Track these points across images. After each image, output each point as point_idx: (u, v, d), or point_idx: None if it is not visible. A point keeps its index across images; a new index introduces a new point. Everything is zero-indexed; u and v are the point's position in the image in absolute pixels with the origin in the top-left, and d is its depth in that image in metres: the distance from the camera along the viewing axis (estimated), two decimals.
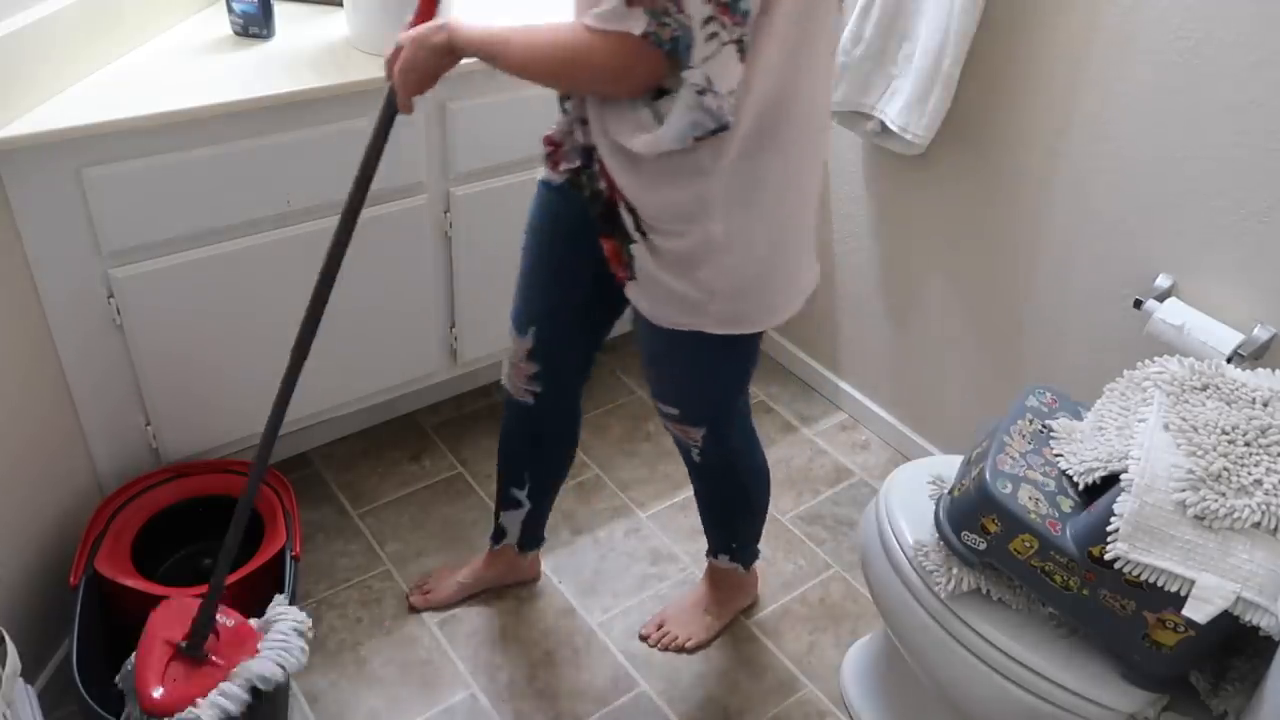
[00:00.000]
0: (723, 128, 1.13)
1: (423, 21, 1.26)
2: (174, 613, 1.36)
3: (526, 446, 1.68)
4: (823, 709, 1.72)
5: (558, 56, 1.15)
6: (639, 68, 1.10)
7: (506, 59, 1.19)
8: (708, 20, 1.06)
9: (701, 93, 1.09)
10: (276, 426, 1.36)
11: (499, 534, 1.80)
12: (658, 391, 1.50)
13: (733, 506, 1.70)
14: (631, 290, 1.33)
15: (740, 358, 1.43)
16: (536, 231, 1.46)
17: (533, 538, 1.82)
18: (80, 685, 1.31)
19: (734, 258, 1.25)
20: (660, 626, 1.80)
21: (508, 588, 1.88)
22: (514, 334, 1.54)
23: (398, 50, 1.25)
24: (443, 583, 1.84)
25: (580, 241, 1.38)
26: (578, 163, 1.32)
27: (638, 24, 1.06)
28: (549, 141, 1.37)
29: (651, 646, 1.79)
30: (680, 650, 1.79)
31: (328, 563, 1.90)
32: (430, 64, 1.23)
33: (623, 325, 2.18)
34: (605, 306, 1.50)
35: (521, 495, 1.72)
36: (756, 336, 1.38)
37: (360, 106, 1.62)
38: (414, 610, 1.82)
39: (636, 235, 1.27)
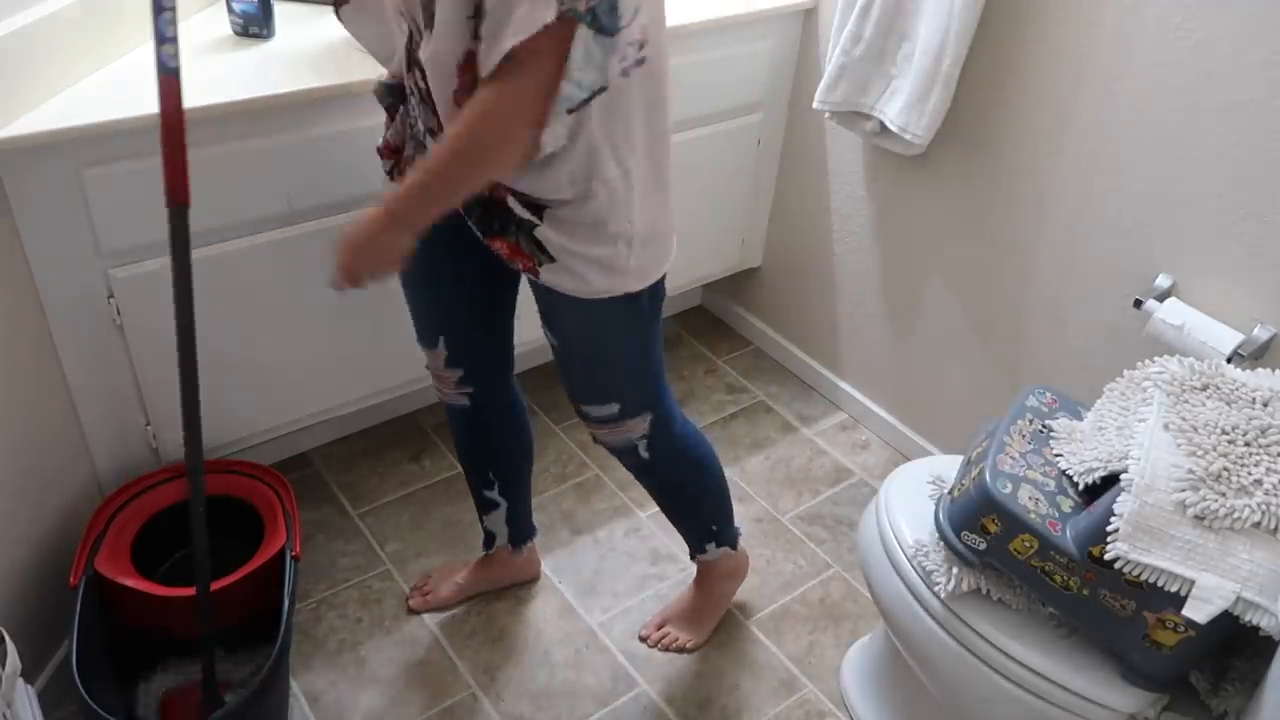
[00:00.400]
0: (604, 87, 1.12)
1: None
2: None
3: (479, 446, 1.68)
4: (823, 709, 1.72)
5: (486, 123, 1.11)
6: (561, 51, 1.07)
7: (444, 179, 1.16)
8: None
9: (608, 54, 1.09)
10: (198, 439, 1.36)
11: (489, 539, 1.80)
12: (590, 394, 1.46)
13: (698, 491, 1.66)
14: (549, 275, 1.29)
15: (657, 318, 1.42)
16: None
17: (521, 531, 1.81)
18: (80, 685, 1.31)
19: (634, 194, 1.25)
20: (660, 627, 1.80)
21: (509, 588, 1.88)
22: (425, 349, 1.55)
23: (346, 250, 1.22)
24: (442, 584, 1.84)
25: (455, 245, 1.37)
26: None
27: (548, 9, 1.03)
28: (388, 151, 1.34)
29: (651, 647, 1.79)
30: (681, 651, 1.79)
31: (328, 563, 1.90)
32: (369, 242, 1.21)
33: None
34: (502, 297, 1.50)
35: (494, 495, 1.72)
36: (661, 297, 1.39)
37: (360, 106, 1.62)
38: (413, 612, 1.82)
39: (536, 219, 1.24)
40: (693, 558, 1.77)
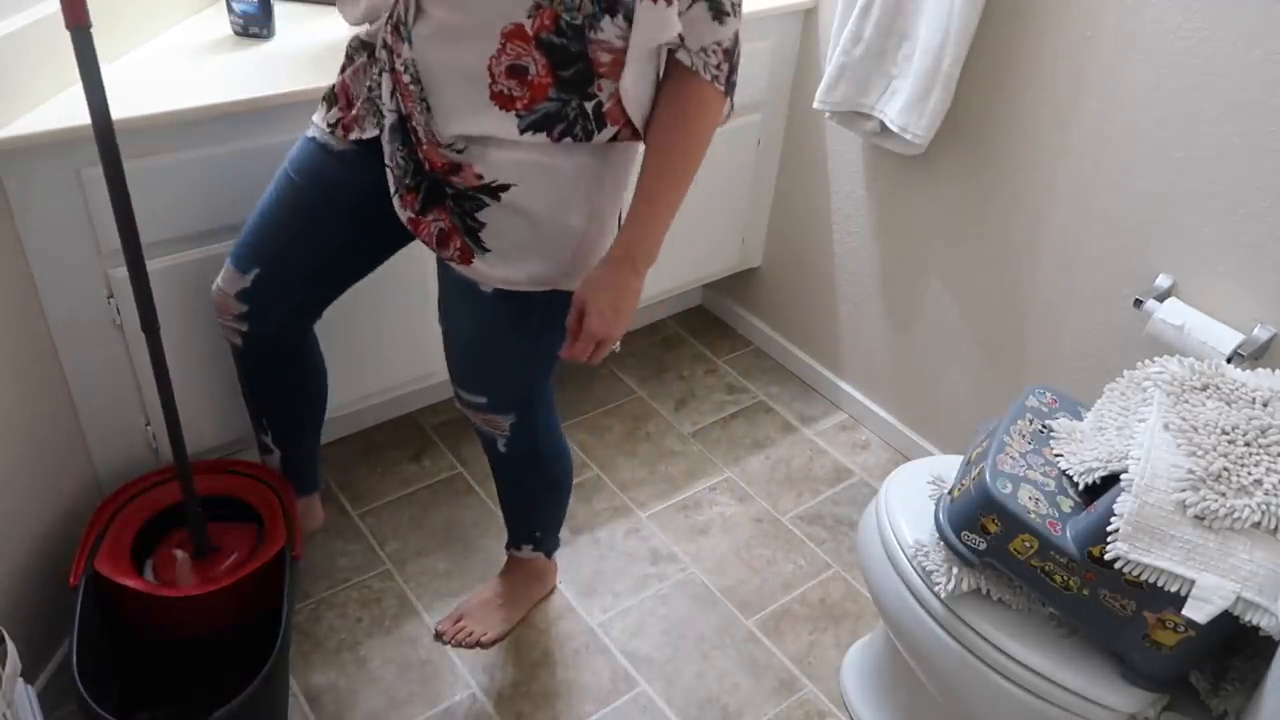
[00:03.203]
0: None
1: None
2: None
3: (247, 387, 1.62)
4: (823, 709, 1.72)
5: (710, 127, 1.21)
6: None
7: (678, 197, 1.22)
8: None
9: None
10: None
11: (280, 466, 1.74)
12: (467, 379, 1.46)
13: (538, 495, 1.67)
14: (483, 264, 1.28)
15: (553, 327, 1.34)
16: (291, 185, 1.40)
17: (304, 483, 1.78)
18: (80, 685, 1.31)
19: (604, 191, 1.27)
20: (457, 621, 1.77)
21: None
22: (231, 269, 1.45)
23: (586, 313, 1.24)
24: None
25: (341, 209, 1.37)
26: (375, 134, 1.28)
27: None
28: (343, 97, 1.32)
29: (446, 643, 1.76)
30: (477, 645, 1.76)
31: (328, 563, 1.90)
32: (632, 300, 1.25)
33: None
34: (345, 271, 1.49)
35: (267, 440, 1.67)
36: (563, 309, 1.32)
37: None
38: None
39: (492, 200, 1.23)
40: (507, 548, 1.78)
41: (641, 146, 1.27)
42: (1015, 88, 1.79)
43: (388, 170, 1.30)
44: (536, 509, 1.71)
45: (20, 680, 1.16)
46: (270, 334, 1.51)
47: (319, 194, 1.40)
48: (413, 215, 1.29)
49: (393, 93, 1.23)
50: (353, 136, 1.33)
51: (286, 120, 1.58)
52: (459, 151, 1.21)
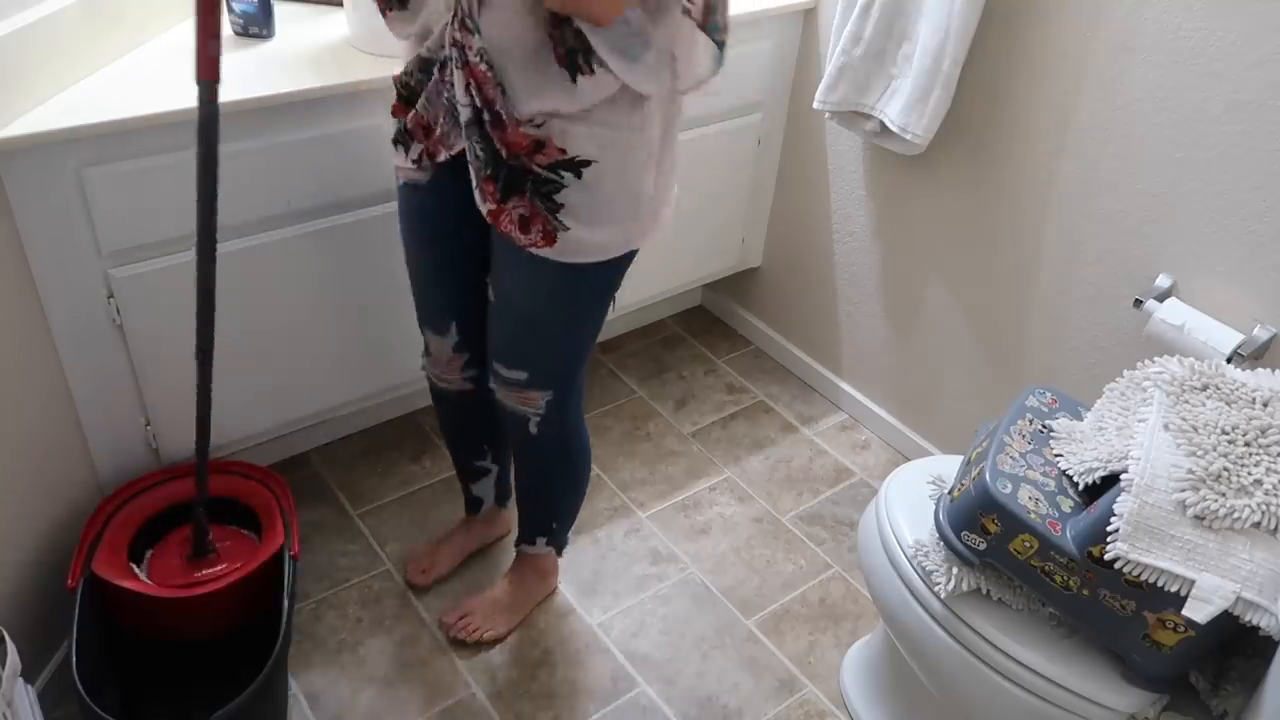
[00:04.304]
0: None
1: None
2: None
3: (478, 423, 1.71)
4: (823, 709, 1.72)
5: None
6: None
7: None
8: None
9: None
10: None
11: (476, 504, 1.86)
12: (513, 354, 1.48)
13: (561, 483, 1.69)
14: (563, 242, 1.31)
15: (602, 305, 1.45)
16: (418, 237, 1.48)
17: (507, 488, 1.88)
18: (80, 686, 1.31)
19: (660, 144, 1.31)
20: (463, 616, 1.78)
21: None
22: (432, 336, 1.58)
23: None
24: (438, 556, 1.87)
25: (462, 228, 1.41)
26: (463, 146, 1.31)
27: None
28: (418, 129, 1.35)
29: (450, 636, 1.77)
30: (479, 642, 1.77)
31: (328, 563, 1.90)
32: None
33: (624, 324, 2.20)
34: (486, 270, 1.53)
35: (486, 463, 1.78)
36: (615, 284, 1.43)
37: (360, 106, 1.62)
38: (417, 588, 1.85)
39: (573, 177, 1.27)
40: (518, 545, 1.80)
41: (685, 101, 1.33)
42: (1015, 88, 1.79)
43: (470, 166, 1.33)
44: (557, 498, 1.72)
45: (20, 680, 1.16)
46: (485, 365, 1.57)
47: (434, 231, 1.46)
48: (494, 206, 1.32)
49: (467, 87, 1.26)
50: (441, 158, 1.35)
51: (286, 120, 1.58)
52: (538, 126, 1.24)
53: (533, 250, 1.33)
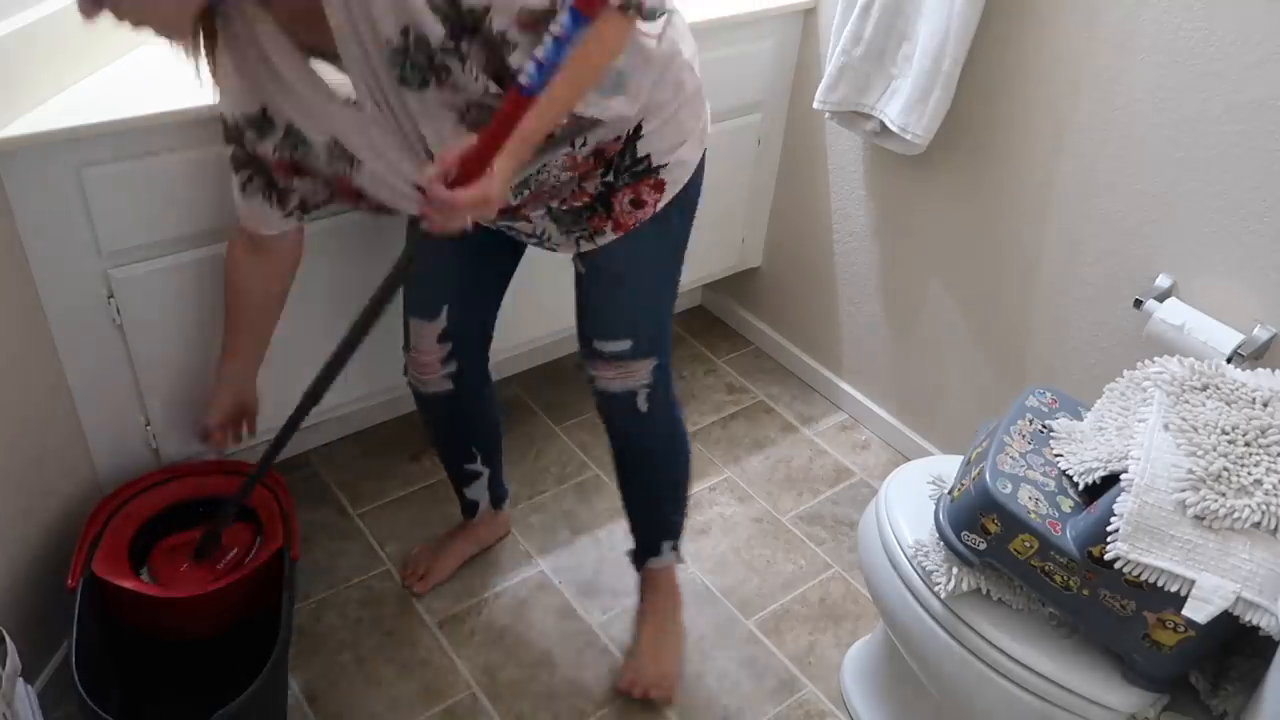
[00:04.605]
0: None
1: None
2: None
3: (462, 426, 1.69)
4: (823, 709, 1.72)
5: (593, 64, 1.13)
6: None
7: (539, 127, 1.12)
8: None
9: None
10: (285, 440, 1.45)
11: (471, 507, 1.85)
12: (614, 324, 1.45)
13: (682, 469, 1.62)
14: (667, 186, 1.35)
15: (683, 244, 1.46)
16: (414, 223, 1.41)
17: (501, 491, 1.87)
18: (80, 686, 1.31)
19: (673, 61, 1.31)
20: (632, 679, 1.67)
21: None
22: (418, 323, 1.53)
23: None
24: (435, 561, 1.86)
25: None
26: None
27: None
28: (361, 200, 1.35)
29: (636, 696, 1.66)
30: (668, 701, 1.67)
31: (328, 563, 1.90)
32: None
33: None
34: (512, 264, 1.52)
35: (476, 466, 1.76)
36: (691, 213, 1.44)
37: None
38: (417, 595, 1.83)
39: (642, 161, 1.32)
40: (641, 564, 1.72)
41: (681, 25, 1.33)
42: (1015, 88, 1.79)
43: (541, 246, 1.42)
44: (679, 486, 1.63)
45: (20, 680, 1.16)
46: (471, 357, 1.56)
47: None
48: (610, 230, 1.37)
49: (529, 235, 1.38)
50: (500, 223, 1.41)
51: None
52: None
53: (655, 207, 1.35)
